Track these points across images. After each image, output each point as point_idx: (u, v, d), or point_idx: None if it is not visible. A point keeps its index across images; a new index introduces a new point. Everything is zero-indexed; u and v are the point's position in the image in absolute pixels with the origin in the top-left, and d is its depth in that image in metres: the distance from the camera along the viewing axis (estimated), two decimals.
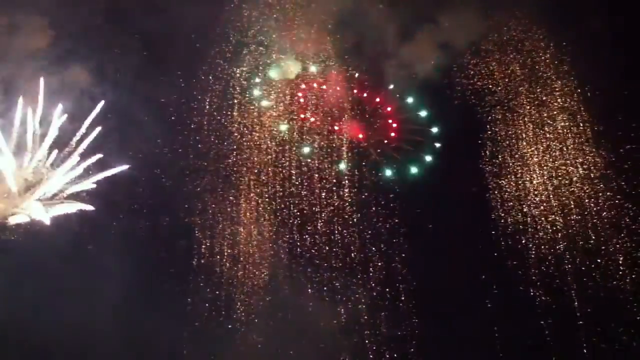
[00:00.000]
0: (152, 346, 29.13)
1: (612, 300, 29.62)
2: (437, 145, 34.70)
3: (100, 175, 29.08)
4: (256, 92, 33.39)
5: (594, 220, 30.73)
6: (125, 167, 29.48)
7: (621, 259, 29.93)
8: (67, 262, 28.73)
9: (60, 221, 28.54)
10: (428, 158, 34.63)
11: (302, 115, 33.53)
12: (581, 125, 31.87)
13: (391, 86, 35.01)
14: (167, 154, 31.90)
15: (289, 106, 33.35)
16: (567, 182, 31.71)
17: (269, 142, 32.96)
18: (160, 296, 30.43)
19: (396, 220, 32.92)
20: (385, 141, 34.73)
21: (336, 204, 32.77)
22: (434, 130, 34.88)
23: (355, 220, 32.74)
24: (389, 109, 35.32)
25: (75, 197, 29.10)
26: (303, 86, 33.94)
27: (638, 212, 30.22)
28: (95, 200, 29.40)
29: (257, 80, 33.45)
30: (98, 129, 29.41)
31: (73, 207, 28.71)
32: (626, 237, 30.13)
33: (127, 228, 30.88)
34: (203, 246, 31.66)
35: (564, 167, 31.93)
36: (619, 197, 30.61)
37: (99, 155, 28.90)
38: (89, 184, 28.91)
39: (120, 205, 30.89)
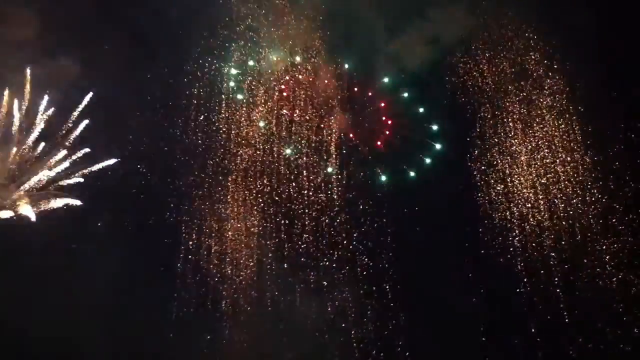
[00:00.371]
0: (137, 341, 28.94)
1: (598, 300, 29.60)
2: (437, 146, 33.78)
3: (88, 169, 28.78)
4: (232, 84, 32.71)
5: (581, 221, 30.68)
6: (112, 160, 29.28)
7: (607, 258, 29.90)
8: (51, 256, 28.56)
9: (45, 214, 28.35)
10: (427, 160, 33.78)
11: (284, 111, 32.89)
12: (570, 125, 31.66)
13: (385, 79, 34.10)
14: (154, 148, 31.50)
15: (277, 101, 32.81)
16: (554, 182, 31.59)
17: (257, 137, 32.55)
18: (146, 292, 29.96)
19: (384, 220, 32.75)
20: (378, 142, 34.12)
21: (323, 202, 32.49)
22: (434, 127, 33.96)
23: (342, 219, 32.49)
24: (382, 104, 34.63)
25: (62, 190, 28.79)
26: (287, 78, 33.15)
27: (625, 213, 30.18)
28: (82, 194, 29.19)
29: (234, 71, 32.67)
30: (85, 121, 29.16)
31: (60, 202, 28.36)
32: (613, 238, 30.09)
33: (113, 222, 30.53)
34: (190, 242, 31.38)
35: (552, 167, 31.78)
36: (606, 197, 30.57)
37: (86, 150, 28.55)
38: (76, 178, 28.53)
39: (106, 199, 30.35)
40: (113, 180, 30.00)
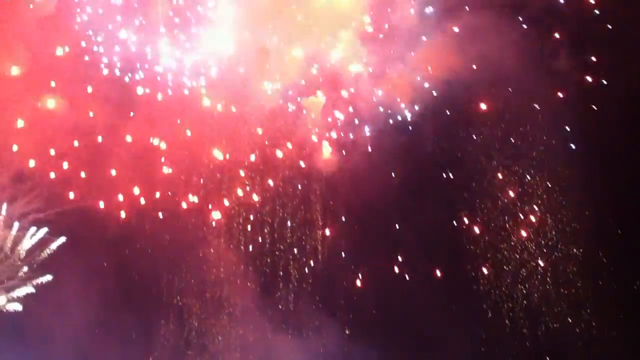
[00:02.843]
0: None
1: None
2: None
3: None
4: None
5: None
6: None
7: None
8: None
9: None
10: None
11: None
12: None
13: None
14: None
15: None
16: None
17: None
18: (124, 330, 30.16)
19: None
20: None
21: (307, 235, 32.21)
22: None
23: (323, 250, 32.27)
24: None
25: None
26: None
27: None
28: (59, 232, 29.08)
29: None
30: None
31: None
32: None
33: (90, 261, 30.00)
34: (169, 279, 31.39)
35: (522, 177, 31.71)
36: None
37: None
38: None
39: (84, 238, 30.01)
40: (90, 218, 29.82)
